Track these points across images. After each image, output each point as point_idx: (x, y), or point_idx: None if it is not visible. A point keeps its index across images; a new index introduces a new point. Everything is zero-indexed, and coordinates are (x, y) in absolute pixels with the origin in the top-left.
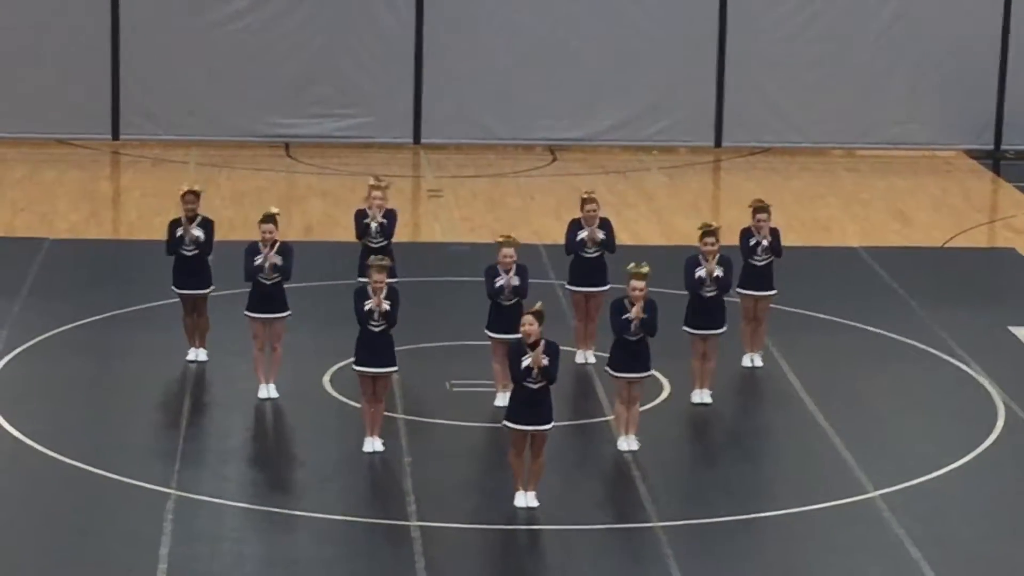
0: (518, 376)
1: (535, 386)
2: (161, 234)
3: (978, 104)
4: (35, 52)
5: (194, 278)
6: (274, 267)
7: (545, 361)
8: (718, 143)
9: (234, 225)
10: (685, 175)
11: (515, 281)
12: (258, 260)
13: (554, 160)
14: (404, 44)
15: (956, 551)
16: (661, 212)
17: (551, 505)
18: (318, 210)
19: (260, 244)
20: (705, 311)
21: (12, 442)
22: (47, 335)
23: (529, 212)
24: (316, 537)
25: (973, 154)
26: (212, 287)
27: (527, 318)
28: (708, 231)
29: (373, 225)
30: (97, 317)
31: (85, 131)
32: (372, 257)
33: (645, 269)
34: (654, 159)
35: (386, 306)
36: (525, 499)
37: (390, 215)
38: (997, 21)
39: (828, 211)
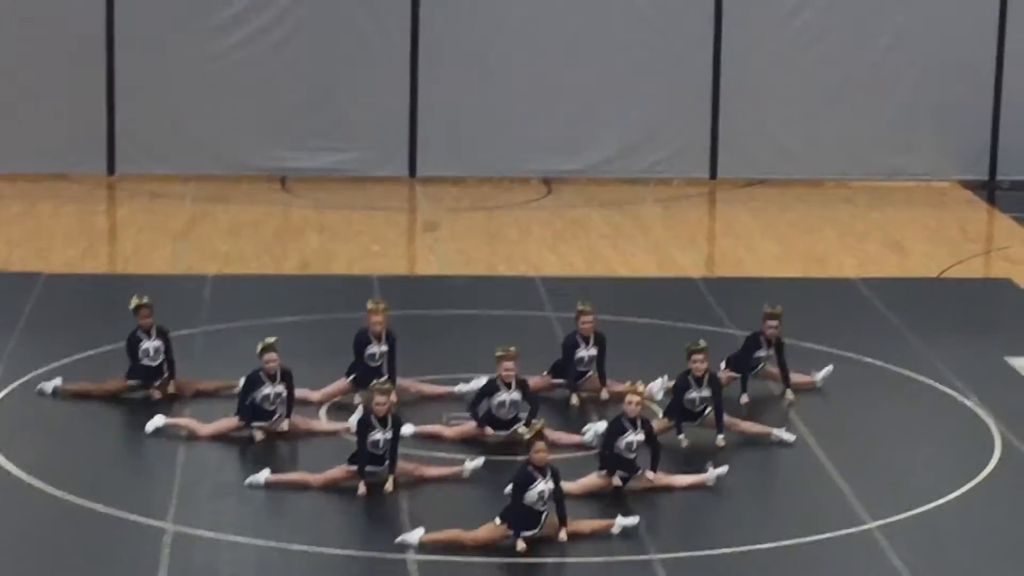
0: (519, 506)
1: (541, 510)
2: (158, 268)
3: (972, 135)
4: (30, 87)
5: (154, 376)
6: (280, 397)
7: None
8: (713, 175)
9: (229, 259)
10: (681, 206)
11: (516, 396)
12: (263, 393)
13: (549, 192)
14: (400, 77)
15: None
16: (658, 244)
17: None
18: (314, 243)
19: (262, 374)
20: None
21: (8, 477)
22: (43, 369)
23: (525, 244)
24: (313, 571)
25: (968, 185)
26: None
27: (541, 444)
28: (696, 349)
29: (376, 351)
30: (93, 351)
31: (81, 166)
32: (375, 381)
33: (640, 388)
34: (649, 191)
35: (388, 435)
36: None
37: (391, 340)
38: (991, 51)
39: (824, 243)
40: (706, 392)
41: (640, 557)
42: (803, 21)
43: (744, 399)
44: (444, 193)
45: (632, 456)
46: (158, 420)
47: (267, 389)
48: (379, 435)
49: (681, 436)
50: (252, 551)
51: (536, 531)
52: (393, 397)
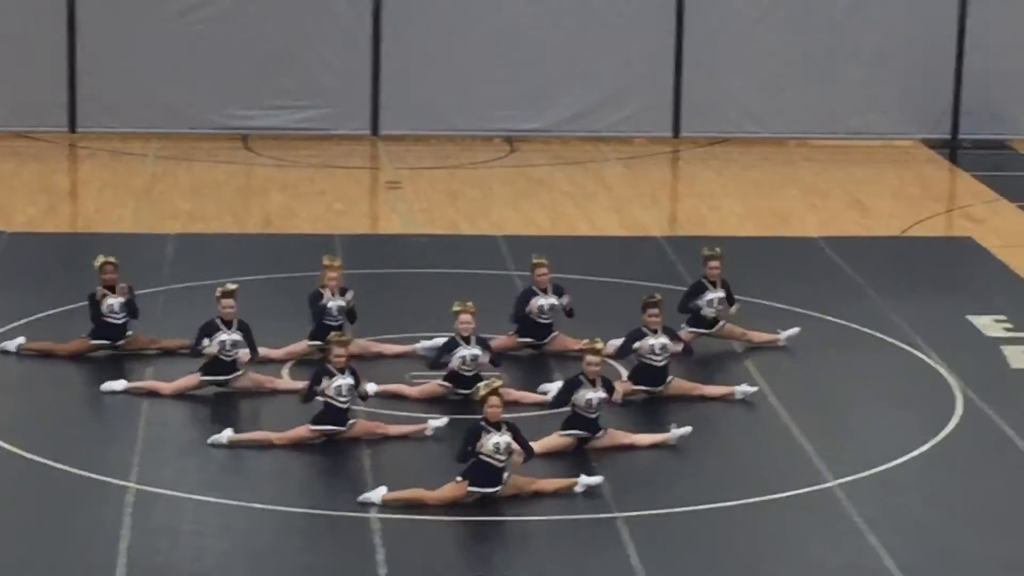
0: (465, 457)
1: (501, 463)
2: (120, 227)
3: (935, 94)
4: None
5: (116, 334)
6: (234, 343)
7: (520, 459)
8: (676, 133)
9: (193, 217)
10: (644, 165)
11: (475, 351)
12: (214, 340)
13: (512, 151)
14: (362, 35)
15: (915, 538)
16: (620, 202)
17: (512, 496)
18: (277, 202)
19: (218, 320)
20: (653, 371)
21: None
22: (5, 328)
23: (488, 203)
24: (276, 529)
25: (930, 144)
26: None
27: (495, 399)
28: (651, 302)
29: (332, 306)
30: (56, 310)
31: (42, 124)
32: (333, 333)
33: (599, 345)
34: (612, 149)
35: (350, 380)
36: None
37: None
38: (953, 10)
39: (787, 201)
40: (663, 339)
41: (603, 515)
42: None
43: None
44: (406, 151)
45: (593, 415)
46: (117, 384)
47: (223, 335)
48: (340, 380)
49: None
50: (214, 509)
51: (498, 488)
52: (348, 336)
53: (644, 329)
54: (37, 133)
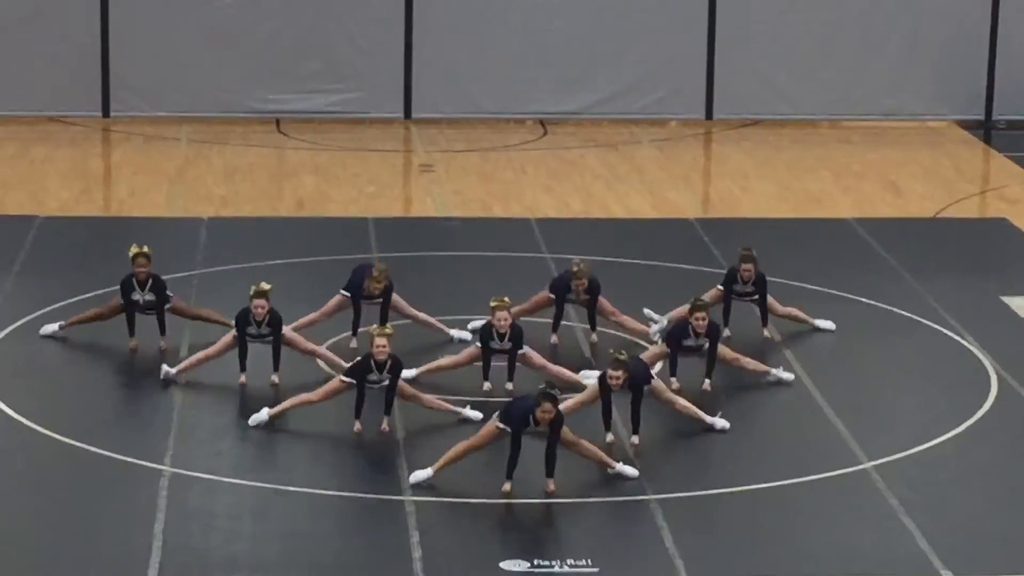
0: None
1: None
2: (154, 211)
3: (969, 75)
4: (24, 29)
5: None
6: (262, 338)
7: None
8: (709, 115)
9: (226, 202)
10: (676, 147)
11: (507, 346)
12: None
13: (545, 134)
14: (395, 18)
15: (950, 520)
16: (652, 185)
17: (543, 478)
18: (310, 185)
19: (251, 316)
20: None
21: (6, 420)
22: (39, 313)
23: (521, 185)
24: (310, 512)
25: (964, 124)
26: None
27: (547, 406)
28: (700, 305)
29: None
30: (90, 295)
31: (75, 108)
32: (375, 326)
33: (624, 356)
34: (644, 131)
35: (386, 381)
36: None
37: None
38: None
39: (820, 183)
40: (703, 342)
41: (637, 498)
42: None
43: (726, 332)
44: (439, 134)
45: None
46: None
47: (252, 330)
48: (375, 376)
49: (673, 379)
50: (249, 493)
51: (532, 427)
52: (390, 329)
53: (690, 331)
54: (70, 118)
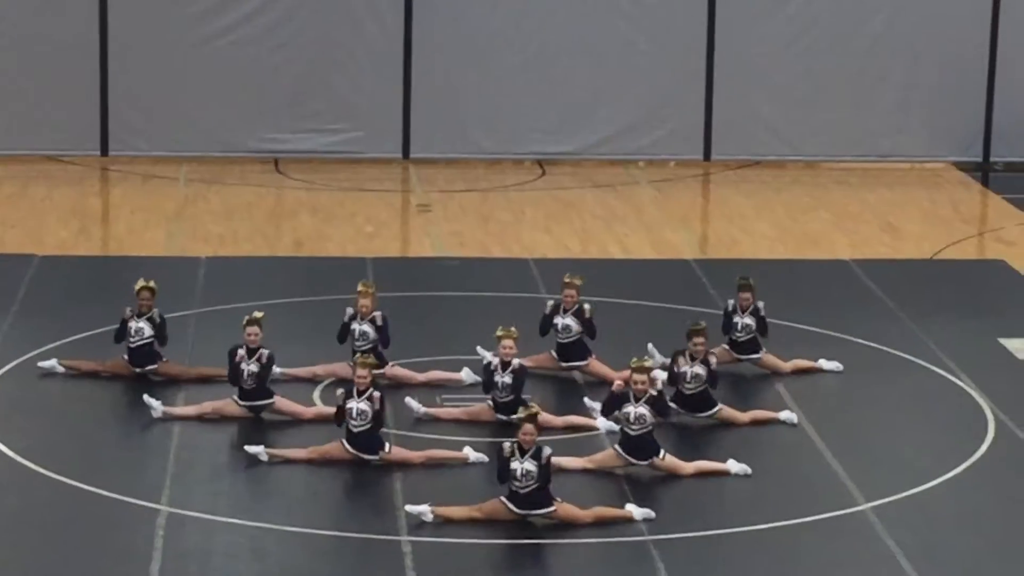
0: (504, 478)
1: (525, 490)
2: (152, 250)
3: (967, 116)
4: (23, 68)
5: (142, 360)
6: (253, 375)
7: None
8: (707, 156)
9: (224, 241)
10: (675, 188)
11: (507, 379)
12: (242, 367)
13: (543, 174)
14: (393, 59)
15: (948, 563)
16: (651, 225)
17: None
18: (308, 225)
19: (241, 349)
20: (688, 402)
21: (3, 458)
22: (37, 351)
23: (519, 226)
24: (308, 552)
25: (962, 166)
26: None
27: (528, 427)
28: (697, 329)
29: (366, 330)
30: (87, 333)
31: (74, 147)
32: (359, 355)
33: (649, 363)
34: (643, 172)
35: (364, 406)
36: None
37: (383, 321)
38: (985, 33)
39: (818, 224)
40: (699, 369)
41: (635, 538)
42: (798, 3)
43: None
44: (437, 174)
45: (634, 431)
46: (154, 405)
47: (243, 365)
48: (353, 403)
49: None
50: (246, 532)
51: (527, 512)
52: (372, 359)
53: (682, 358)
54: (69, 156)
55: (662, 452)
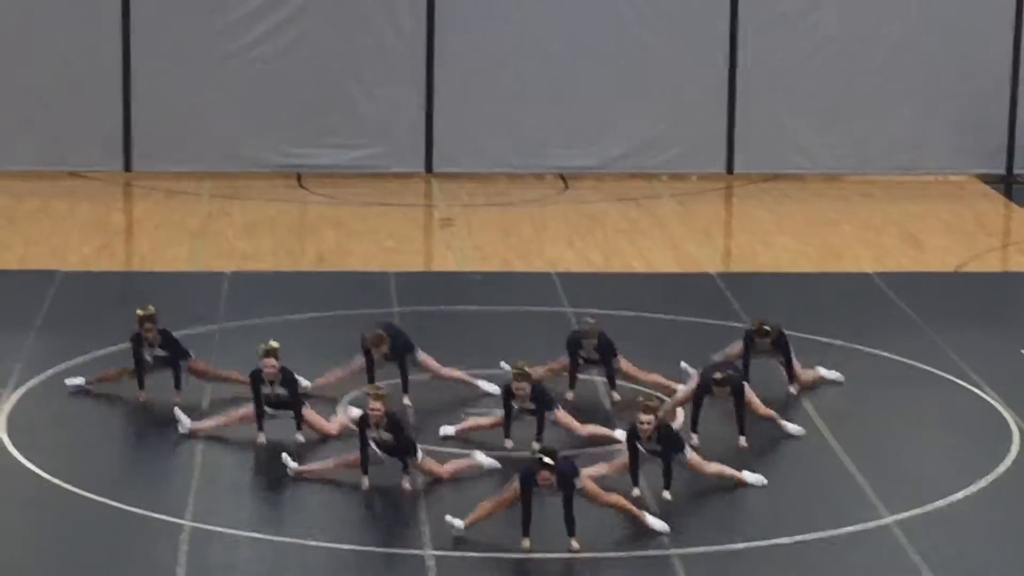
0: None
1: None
2: (175, 265)
3: (990, 129)
4: (46, 85)
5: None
6: (278, 397)
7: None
8: (730, 170)
9: (246, 256)
10: (697, 202)
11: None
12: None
13: (566, 188)
14: (415, 74)
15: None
16: (674, 239)
17: (566, 532)
18: (331, 240)
19: (263, 376)
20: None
21: (27, 475)
22: (61, 367)
23: (542, 240)
24: (331, 567)
25: (985, 179)
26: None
27: (544, 474)
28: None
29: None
30: (111, 349)
31: (97, 163)
32: (370, 386)
33: (654, 403)
34: (665, 186)
35: (387, 436)
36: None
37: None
38: (1008, 45)
39: (840, 237)
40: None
41: (658, 552)
42: (819, 15)
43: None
44: (460, 189)
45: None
46: (183, 420)
47: (266, 390)
48: (374, 434)
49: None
50: (269, 547)
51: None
52: (384, 390)
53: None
54: (92, 172)
55: (688, 449)
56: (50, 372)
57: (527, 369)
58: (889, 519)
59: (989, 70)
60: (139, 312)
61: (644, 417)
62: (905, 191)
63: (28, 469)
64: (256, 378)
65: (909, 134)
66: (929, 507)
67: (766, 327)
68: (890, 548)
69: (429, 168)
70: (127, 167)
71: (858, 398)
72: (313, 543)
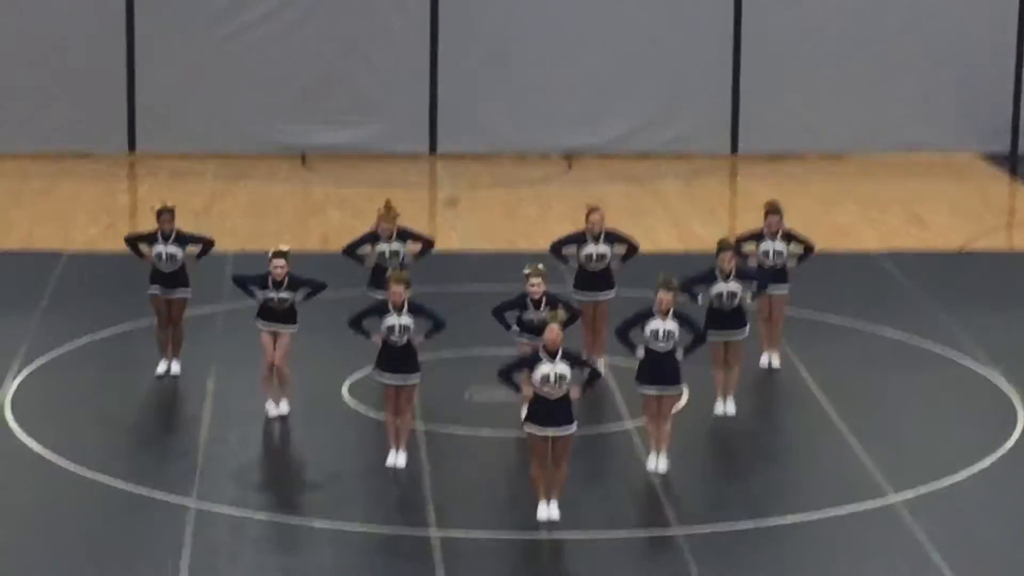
0: (505, 374)
1: (552, 396)
2: None
3: (994, 107)
4: (51, 66)
5: (170, 282)
6: (282, 300)
7: (576, 393)
8: (734, 149)
9: (251, 236)
10: (701, 181)
11: (542, 315)
12: (268, 295)
13: (570, 168)
14: (419, 54)
15: (977, 554)
16: (678, 218)
17: (572, 513)
18: (335, 220)
19: (269, 279)
20: (725, 316)
21: (32, 456)
22: (66, 348)
23: (546, 220)
24: (336, 548)
25: (990, 157)
26: (188, 294)
27: (553, 326)
28: (725, 247)
29: (386, 249)
30: (115, 330)
31: (102, 144)
32: (392, 271)
33: (674, 282)
34: (669, 165)
35: (407, 320)
36: (547, 511)
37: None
38: (1013, 23)
39: (846, 216)
40: (733, 285)
41: (664, 532)
42: None
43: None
44: (464, 169)
45: (661, 347)
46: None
47: (271, 293)
48: (394, 320)
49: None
50: (275, 528)
51: (553, 430)
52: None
53: (716, 272)
54: (97, 153)
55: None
56: (55, 352)
57: (541, 267)
58: (895, 497)
59: (994, 49)
60: (159, 204)
61: (664, 296)
62: (909, 170)
63: (33, 450)
64: (253, 280)
65: (913, 113)
66: (934, 486)
67: (775, 202)
68: (895, 526)
69: (433, 149)
70: (132, 148)
71: (864, 377)
72: (318, 523)
